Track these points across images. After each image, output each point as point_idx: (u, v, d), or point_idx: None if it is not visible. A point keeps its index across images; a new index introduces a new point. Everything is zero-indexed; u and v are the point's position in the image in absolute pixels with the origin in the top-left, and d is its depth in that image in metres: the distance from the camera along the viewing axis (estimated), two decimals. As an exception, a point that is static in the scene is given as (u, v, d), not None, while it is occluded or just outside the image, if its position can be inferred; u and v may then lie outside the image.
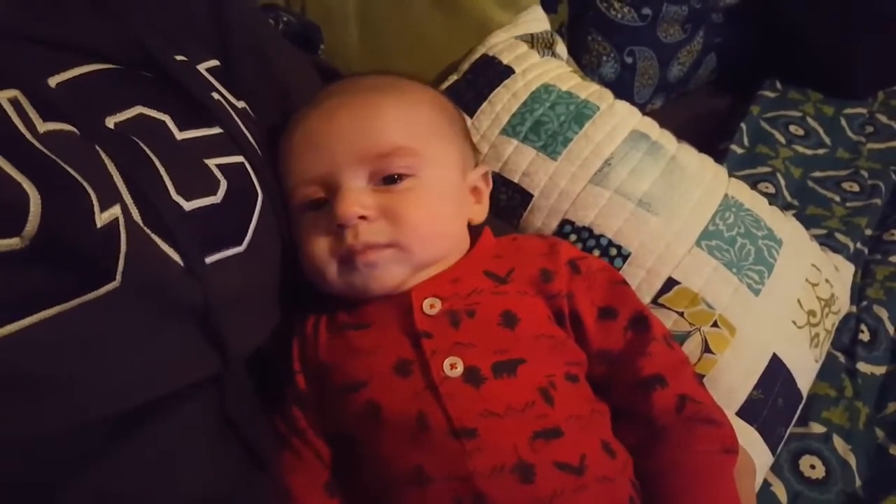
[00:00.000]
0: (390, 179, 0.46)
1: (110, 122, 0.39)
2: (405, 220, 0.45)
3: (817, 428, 0.63)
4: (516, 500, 0.40)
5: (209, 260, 0.40)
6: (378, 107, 0.48)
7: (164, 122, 0.42)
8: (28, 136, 0.34)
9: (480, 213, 0.52)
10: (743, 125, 0.99)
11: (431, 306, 0.45)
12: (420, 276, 0.47)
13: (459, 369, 0.42)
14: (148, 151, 0.39)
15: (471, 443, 0.40)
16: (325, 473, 0.46)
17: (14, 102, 0.35)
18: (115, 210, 0.35)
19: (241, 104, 0.49)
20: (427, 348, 0.43)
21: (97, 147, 0.37)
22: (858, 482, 0.61)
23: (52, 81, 0.38)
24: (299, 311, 0.49)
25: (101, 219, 0.34)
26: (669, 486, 0.43)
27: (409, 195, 0.46)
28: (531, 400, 0.42)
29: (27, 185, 0.31)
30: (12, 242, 0.31)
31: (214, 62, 0.49)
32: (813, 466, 0.61)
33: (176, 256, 0.37)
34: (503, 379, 0.42)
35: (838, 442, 0.63)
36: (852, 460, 0.62)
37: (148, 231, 0.36)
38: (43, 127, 0.35)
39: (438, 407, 0.41)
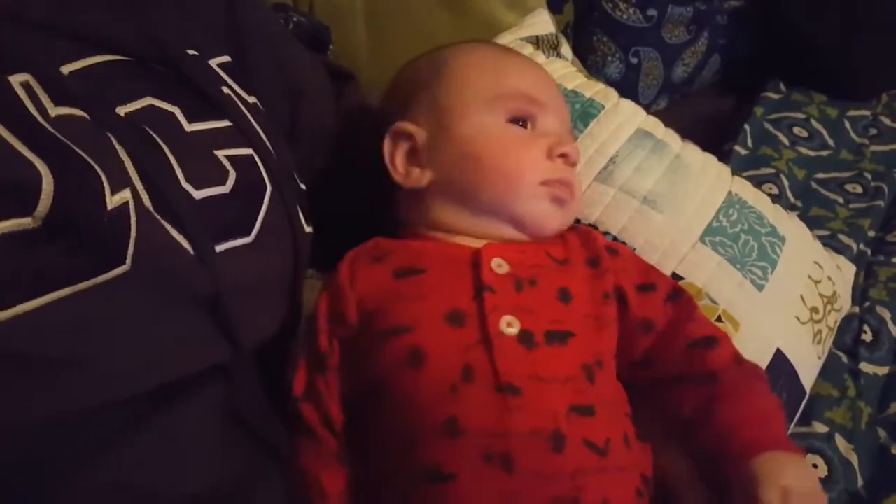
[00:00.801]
0: None
1: (121, 111, 0.40)
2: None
3: (820, 427, 0.63)
4: (543, 466, 0.40)
5: (218, 249, 0.40)
6: None
7: (173, 113, 0.42)
8: (39, 118, 0.34)
9: None
10: (747, 126, 0.99)
11: (499, 265, 0.46)
12: (499, 238, 0.49)
13: (515, 329, 0.43)
14: (158, 140, 0.39)
15: (514, 400, 0.41)
16: (336, 444, 0.46)
17: (26, 86, 0.35)
18: (126, 194, 0.35)
19: (251, 99, 0.50)
20: (489, 302, 0.44)
21: (108, 133, 0.37)
22: (860, 482, 0.61)
23: (65, 70, 0.38)
24: (327, 264, 0.49)
25: (112, 201, 0.34)
26: (742, 437, 0.42)
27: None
28: (574, 374, 0.43)
29: (39, 165, 0.32)
30: (25, 222, 0.31)
31: (226, 58, 0.49)
32: (815, 465, 0.61)
33: (186, 244, 0.38)
34: (554, 347, 0.43)
35: (841, 442, 0.63)
36: (854, 460, 0.62)
37: (158, 217, 0.37)
38: (54, 111, 0.35)
39: (488, 361, 0.42)
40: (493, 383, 0.41)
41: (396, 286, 0.46)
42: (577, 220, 0.60)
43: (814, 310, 0.61)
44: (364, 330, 0.46)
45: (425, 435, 0.41)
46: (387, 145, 0.52)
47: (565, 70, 0.69)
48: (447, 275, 0.46)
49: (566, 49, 0.75)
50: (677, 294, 0.49)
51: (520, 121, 0.50)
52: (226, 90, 0.46)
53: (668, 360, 0.47)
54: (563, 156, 0.50)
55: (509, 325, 0.43)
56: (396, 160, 0.52)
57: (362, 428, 0.46)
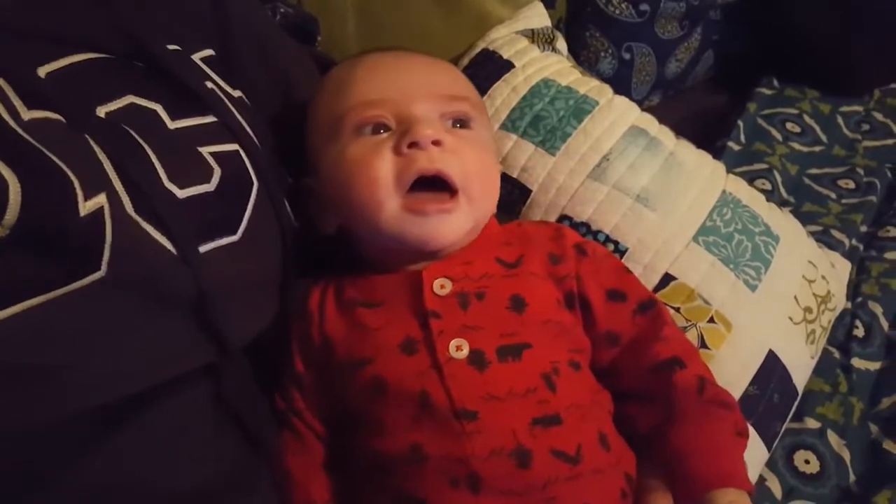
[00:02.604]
0: (457, 123, 0.48)
1: (101, 111, 0.39)
2: (472, 161, 0.46)
3: (812, 423, 0.63)
4: (511, 483, 0.40)
5: (203, 248, 0.40)
6: (444, 62, 0.54)
7: (155, 111, 0.41)
8: (10, 123, 0.33)
9: None
10: (740, 122, 0.99)
11: (442, 286, 0.45)
12: (436, 257, 0.47)
13: (465, 351, 0.43)
14: (140, 140, 0.39)
15: (471, 425, 0.40)
16: (322, 452, 0.46)
17: None
18: (101, 199, 0.34)
19: (237, 93, 0.49)
20: (434, 328, 0.43)
21: (86, 136, 0.36)
22: (852, 477, 0.61)
23: (42, 71, 0.37)
24: (301, 289, 0.49)
25: (85, 207, 0.33)
26: (688, 467, 0.42)
27: (473, 142, 0.48)
28: (534, 386, 0.42)
29: (7, 173, 0.31)
30: None
31: (209, 52, 0.49)
32: (807, 461, 0.61)
33: (168, 245, 0.37)
34: (507, 363, 0.43)
35: (832, 437, 0.63)
36: (846, 455, 0.62)
37: (139, 219, 0.36)
38: (27, 115, 0.35)
39: (441, 387, 0.41)
40: (449, 409, 0.41)
41: (355, 318, 0.46)
42: (570, 219, 0.60)
43: (807, 310, 0.61)
44: (329, 359, 0.46)
45: (395, 461, 0.42)
46: (306, 201, 0.51)
47: (560, 65, 0.68)
48: (397, 305, 0.45)
49: (562, 44, 0.74)
50: (648, 306, 0.48)
51: (379, 128, 0.47)
52: (209, 85, 0.45)
53: (632, 377, 0.47)
54: (413, 145, 0.45)
55: (458, 349, 0.43)
56: (312, 212, 0.51)
57: (344, 446, 0.46)
